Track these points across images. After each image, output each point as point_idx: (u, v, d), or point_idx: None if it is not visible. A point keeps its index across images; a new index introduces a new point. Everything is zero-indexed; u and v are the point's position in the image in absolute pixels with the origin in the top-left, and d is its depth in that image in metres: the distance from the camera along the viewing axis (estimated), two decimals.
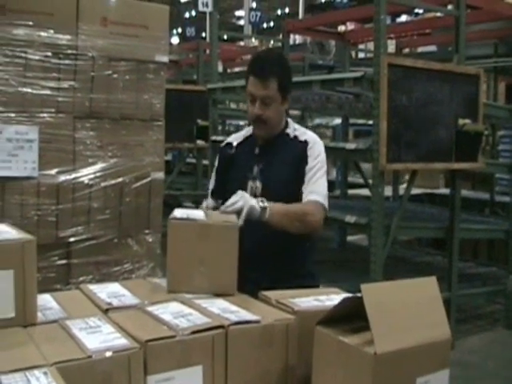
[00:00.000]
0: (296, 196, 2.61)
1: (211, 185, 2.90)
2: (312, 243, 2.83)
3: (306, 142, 2.69)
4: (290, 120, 2.82)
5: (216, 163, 2.86)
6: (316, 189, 2.60)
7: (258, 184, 2.62)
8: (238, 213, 2.28)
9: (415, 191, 6.72)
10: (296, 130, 2.76)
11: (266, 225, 2.41)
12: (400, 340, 1.52)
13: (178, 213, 2.16)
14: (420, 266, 6.42)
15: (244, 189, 2.50)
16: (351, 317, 1.61)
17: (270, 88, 2.59)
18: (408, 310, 1.59)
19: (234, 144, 2.79)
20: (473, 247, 7.53)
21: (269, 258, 2.64)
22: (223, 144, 2.87)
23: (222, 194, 2.62)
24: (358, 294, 1.53)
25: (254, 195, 2.53)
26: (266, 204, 2.40)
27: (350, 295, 1.74)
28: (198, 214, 2.22)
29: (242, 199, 2.33)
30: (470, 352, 5.07)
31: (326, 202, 2.61)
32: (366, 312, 1.48)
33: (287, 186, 2.61)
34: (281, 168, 2.66)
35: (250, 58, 2.85)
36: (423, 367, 1.57)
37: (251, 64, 2.70)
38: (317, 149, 2.68)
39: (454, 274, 5.20)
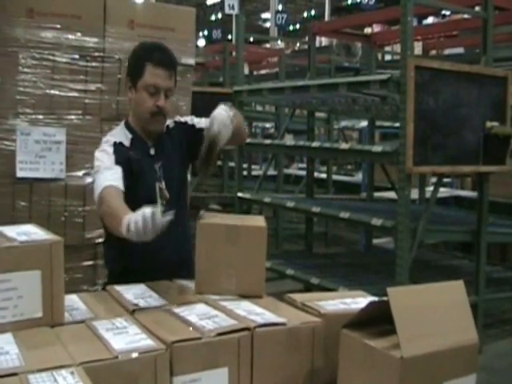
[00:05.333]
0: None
1: (116, 177, 2.39)
2: None
3: (179, 122, 2.69)
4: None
5: (112, 157, 2.46)
6: None
7: (163, 183, 2.47)
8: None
9: (442, 194, 6.67)
10: (171, 120, 2.70)
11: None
12: (426, 344, 1.50)
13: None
14: (447, 270, 6.36)
15: (154, 192, 2.26)
16: (377, 320, 1.60)
17: (172, 79, 2.52)
18: (435, 314, 1.58)
19: (128, 146, 2.56)
20: (500, 251, 7.45)
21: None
22: (115, 142, 2.54)
23: (130, 195, 2.37)
24: (384, 298, 1.52)
25: (161, 195, 2.33)
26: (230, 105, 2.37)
27: (376, 299, 1.74)
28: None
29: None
30: (497, 357, 5.01)
31: None
32: (392, 316, 1.47)
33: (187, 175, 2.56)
34: (177, 160, 2.62)
35: (142, 47, 2.64)
36: (450, 372, 1.55)
37: (153, 55, 2.51)
38: (188, 117, 2.74)
39: (482, 278, 5.15)
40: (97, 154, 2.49)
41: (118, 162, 2.43)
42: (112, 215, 2.19)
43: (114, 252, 2.59)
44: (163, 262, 2.46)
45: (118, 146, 2.50)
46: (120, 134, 2.60)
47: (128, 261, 2.50)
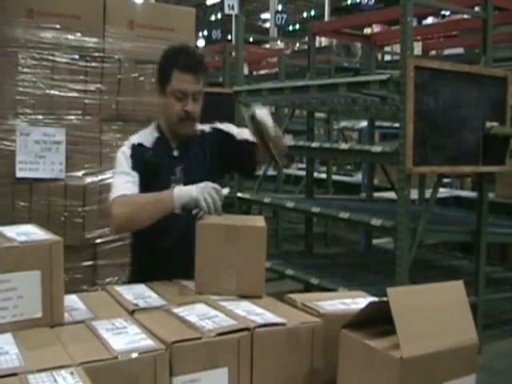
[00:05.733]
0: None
1: (130, 185, 2.45)
2: None
3: (217, 129, 2.69)
4: None
5: (129, 163, 2.52)
6: None
7: (181, 186, 2.44)
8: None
9: (442, 194, 6.67)
10: (201, 125, 2.71)
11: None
12: (426, 344, 1.50)
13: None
14: (446, 270, 6.35)
15: None
16: (377, 321, 1.60)
17: (200, 83, 2.54)
18: (434, 314, 1.58)
19: (149, 146, 2.61)
20: (500, 251, 7.45)
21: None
22: (133, 144, 2.60)
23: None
24: (384, 298, 1.53)
25: None
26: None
27: (375, 299, 1.74)
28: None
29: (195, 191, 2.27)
30: (497, 357, 5.01)
31: None
32: (391, 316, 1.47)
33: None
34: (203, 165, 2.61)
35: (169, 53, 2.66)
36: (450, 372, 1.55)
37: (180, 61, 2.54)
38: (227, 125, 2.72)
39: (481, 279, 5.15)
40: (117, 154, 2.55)
41: (134, 166, 2.48)
42: (149, 203, 2.33)
43: (141, 251, 2.64)
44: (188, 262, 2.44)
45: (136, 148, 2.55)
46: (146, 133, 2.66)
47: (154, 260, 2.53)
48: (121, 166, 2.49)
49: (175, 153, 2.61)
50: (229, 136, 2.68)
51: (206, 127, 2.71)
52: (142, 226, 2.35)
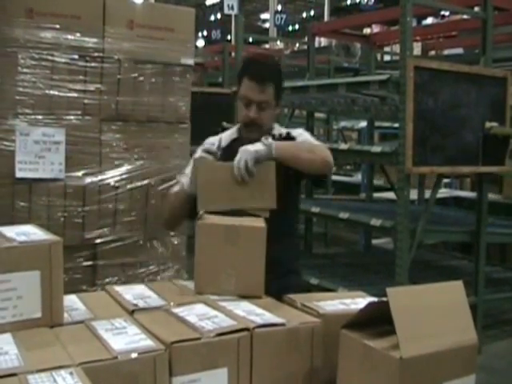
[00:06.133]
0: (290, 195, 2.61)
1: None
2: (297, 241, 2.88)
3: (287, 136, 2.69)
4: (277, 124, 2.81)
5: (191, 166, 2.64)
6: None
7: None
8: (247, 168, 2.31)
9: (441, 195, 6.67)
10: (281, 130, 2.74)
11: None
12: (426, 344, 1.50)
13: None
14: (446, 270, 6.36)
15: None
16: (377, 321, 1.60)
17: (266, 93, 2.59)
18: (434, 314, 1.58)
19: (223, 145, 2.69)
20: (500, 251, 7.45)
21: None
22: (208, 142, 2.69)
23: None
24: (384, 298, 1.53)
25: None
26: (271, 140, 2.41)
27: (375, 299, 1.74)
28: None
29: (241, 153, 2.33)
30: (496, 357, 5.01)
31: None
32: (391, 316, 1.47)
33: (278, 185, 2.47)
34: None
35: (245, 61, 2.82)
36: (449, 372, 1.55)
37: (247, 67, 2.68)
38: (305, 136, 2.70)
39: (481, 279, 5.15)
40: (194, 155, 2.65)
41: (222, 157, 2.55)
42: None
43: None
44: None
45: (206, 149, 2.59)
46: (227, 134, 2.81)
47: None
48: (187, 168, 2.67)
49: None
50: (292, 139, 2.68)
51: (284, 131, 2.74)
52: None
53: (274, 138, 2.64)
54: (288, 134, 2.72)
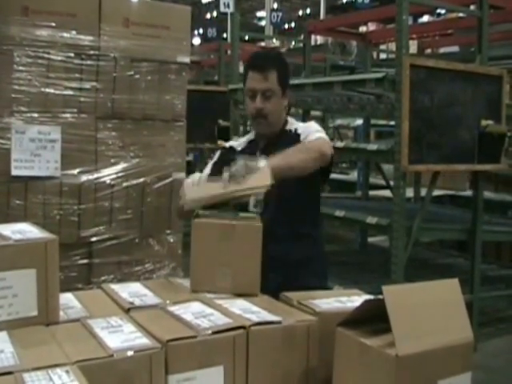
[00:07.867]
0: (307, 195, 2.62)
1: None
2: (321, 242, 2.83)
3: (296, 129, 2.68)
4: (290, 118, 2.77)
5: (207, 170, 2.65)
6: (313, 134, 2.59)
7: None
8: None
9: (437, 193, 6.68)
10: (295, 125, 2.72)
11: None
12: (422, 342, 1.51)
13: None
14: (442, 268, 6.38)
15: None
16: (373, 319, 1.60)
17: (269, 80, 2.57)
18: (430, 312, 1.58)
19: (238, 149, 2.72)
20: (495, 249, 7.47)
21: (291, 260, 2.62)
22: (224, 148, 2.79)
23: None
24: (380, 296, 1.53)
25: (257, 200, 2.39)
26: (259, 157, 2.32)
27: (371, 297, 1.74)
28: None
29: (234, 165, 2.24)
30: (492, 355, 5.02)
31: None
32: (387, 314, 1.48)
33: (294, 183, 2.47)
34: None
35: (248, 57, 2.79)
36: (445, 370, 1.55)
37: (250, 61, 2.69)
38: (308, 129, 2.66)
39: (477, 277, 5.16)
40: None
41: (212, 173, 2.51)
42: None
43: None
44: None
45: (224, 153, 2.66)
46: (246, 136, 2.83)
47: None
48: (205, 170, 2.62)
49: (258, 154, 2.58)
50: (297, 140, 2.62)
51: (300, 125, 2.73)
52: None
53: (290, 132, 2.66)
54: (296, 130, 2.69)
